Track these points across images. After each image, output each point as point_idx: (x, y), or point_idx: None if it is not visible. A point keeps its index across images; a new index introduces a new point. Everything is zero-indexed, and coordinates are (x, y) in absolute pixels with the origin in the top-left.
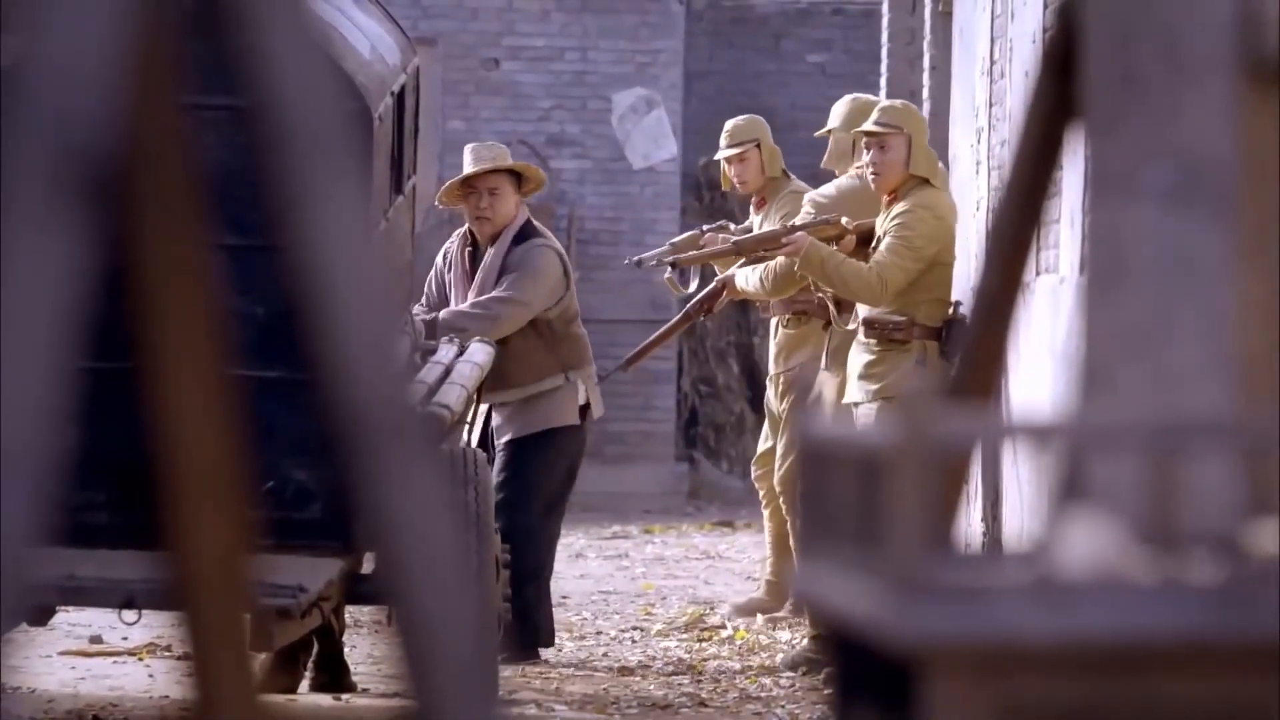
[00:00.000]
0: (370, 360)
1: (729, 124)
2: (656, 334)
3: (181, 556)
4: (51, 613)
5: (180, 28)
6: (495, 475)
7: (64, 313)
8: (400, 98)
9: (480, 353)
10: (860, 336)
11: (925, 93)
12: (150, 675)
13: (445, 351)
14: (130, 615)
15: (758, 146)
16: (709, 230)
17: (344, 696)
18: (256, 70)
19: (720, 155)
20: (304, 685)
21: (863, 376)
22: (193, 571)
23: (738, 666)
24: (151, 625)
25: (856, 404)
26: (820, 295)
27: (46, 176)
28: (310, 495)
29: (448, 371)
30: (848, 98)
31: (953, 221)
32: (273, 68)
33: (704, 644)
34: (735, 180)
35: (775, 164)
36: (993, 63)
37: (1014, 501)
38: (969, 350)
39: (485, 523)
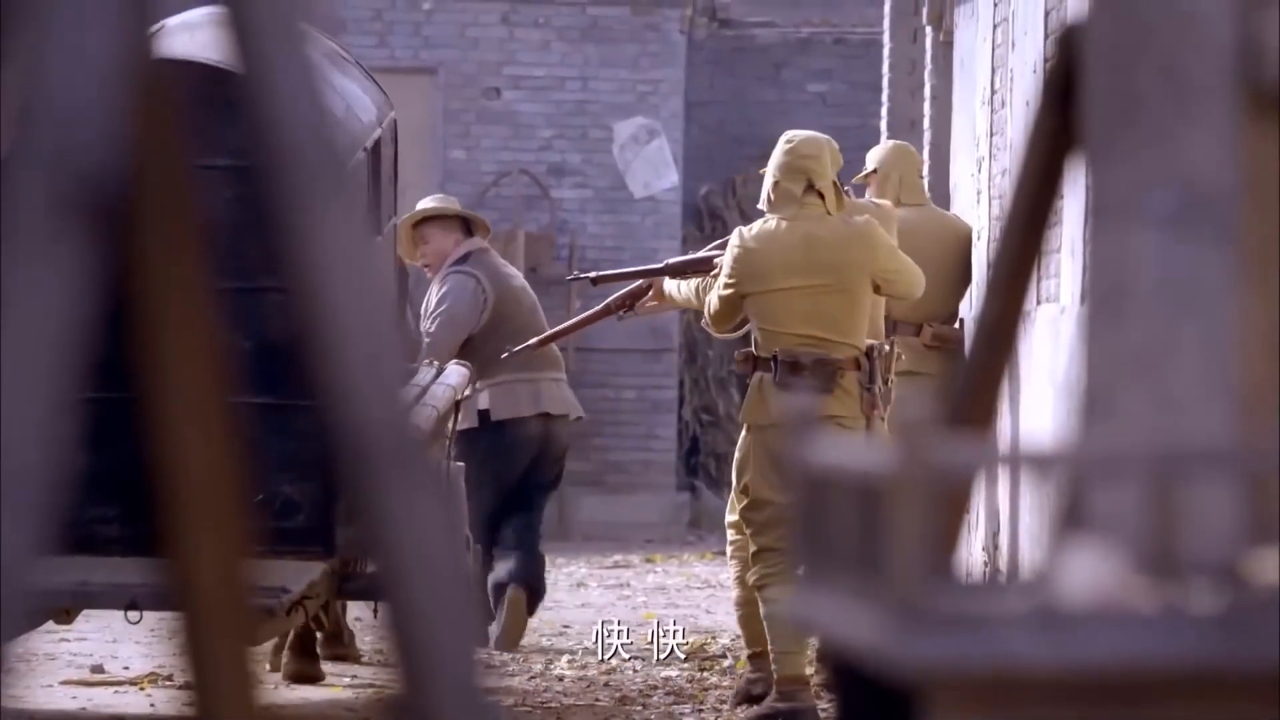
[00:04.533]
0: (371, 384)
1: None
2: (572, 321)
3: (183, 570)
4: (75, 613)
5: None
6: None
7: (67, 337)
8: (375, 150)
9: (454, 375)
10: None
11: (926, 122)
12: (151, 704)
13: (424, 374)
14: (134, 616)
15: (875, 172)
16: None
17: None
18: (258, 100)
19: (855, 179)
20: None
21: None
22: (194, 584)
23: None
24: (152, 655)
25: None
26: None
27: (50, 203)
28: (296, 506)
29: (424, 392)
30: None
31: (769, 247)
32: (273, 99)
33: (705, 673)
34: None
35: (887, 189)
36: (994, 92)
37: (1015, 529)
38: (970, 378)
39: (458, 534)
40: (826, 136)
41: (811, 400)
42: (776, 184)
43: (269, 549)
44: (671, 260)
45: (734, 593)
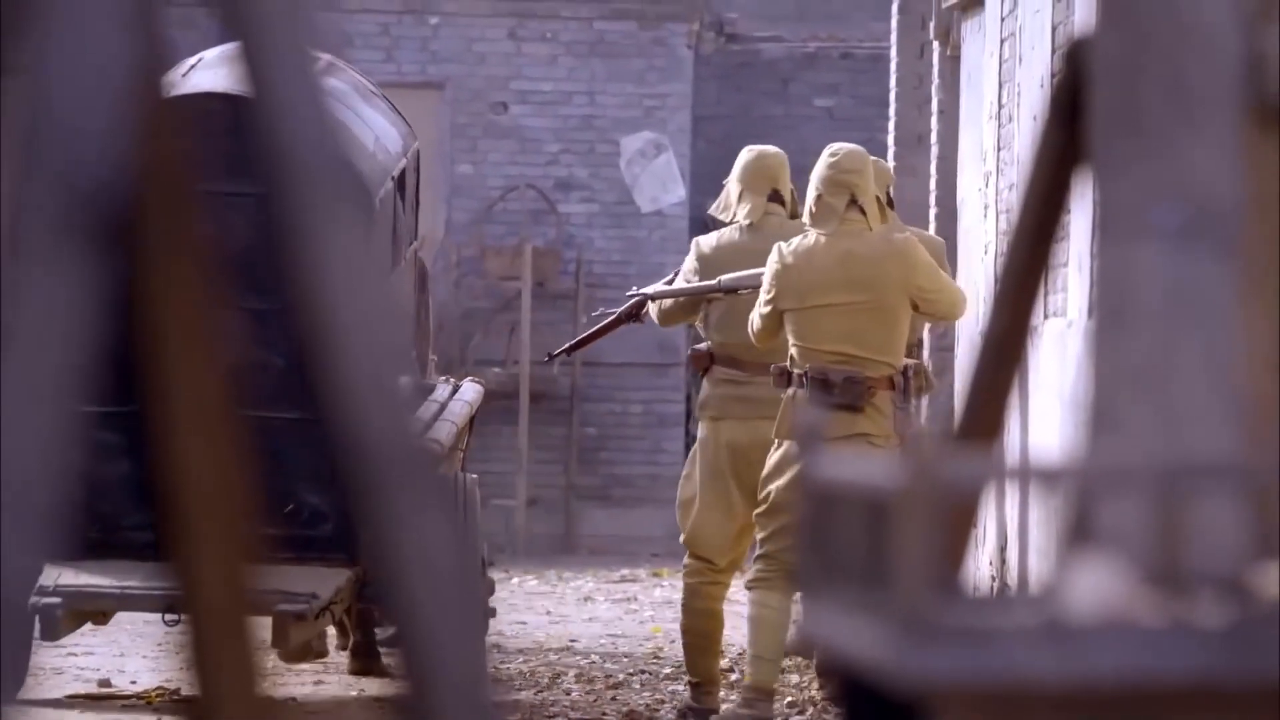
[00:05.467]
0: (378, 399)
1: None
2: (593, 329)
3: (188, 580)
4: (110, 615)
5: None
6: None
7: (72, 353)
8: (401, 179)
9: (470, 391)
10: None
11: (933, 137)
12: (159, 719)
13: (441, 390)
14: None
15: None
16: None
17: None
18: (266, 117)
19: None
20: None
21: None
22: (199, 594)
23: (746, 711)
24: (160, 669)
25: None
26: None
27: (54, 219)
28: (323, 516)
29: (442, 408)
30: (748, 149)
31: (807, 264)
32: (281, 114)
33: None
34: None
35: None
36: (1000, 107)
37: (1023, 543)
38: (977, 392)
39: (472, 541)
40: (864, 150)
41: (822, 416)
42: (819, 198)
43: (297, 556)
44: (724, 278)
45: (681, 619)
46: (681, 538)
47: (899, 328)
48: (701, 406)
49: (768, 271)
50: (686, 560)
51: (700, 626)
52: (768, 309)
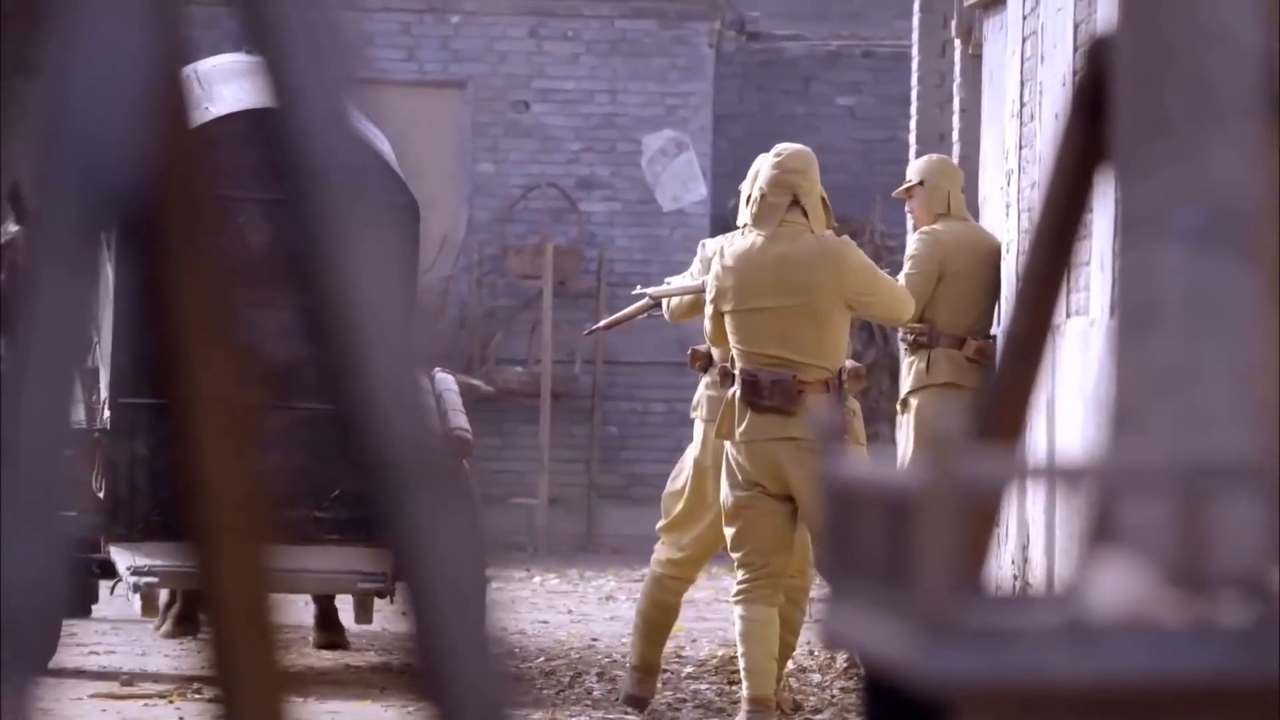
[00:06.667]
0: (399, 401)
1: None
2: (619, 314)
3: (209, 581)
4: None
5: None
6: None
7: (91, 353)
8: None
9: (452, 381)
10: None
11: (955, 135)
12: (180, 717)
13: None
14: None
15: (921, 184)
16: None
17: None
18: (289, 121)
19: (895, 192)
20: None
21: None
22: (220, 597)
23: None
24: (181, 667)
25: None
26: None
27: (74, 219)
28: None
29: (438, 399)
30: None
31: (743, 267)
32: (304, 118)
33: (734, 686)
34: (909, 213)
35: (936, 202)
36: (1023, 105)
37: (1044, 543)
38: (999, 391)
39: (479, 532)
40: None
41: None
42: (762, 197)
43: (343, 537)
44: (704, 279)
45: (639, 602)
46: (659, 524)
47: (833, 330)
48: (695, 406)
49: (710, 275)
50: (657, 546)
51: (656, 618)
52: (710, 310)
